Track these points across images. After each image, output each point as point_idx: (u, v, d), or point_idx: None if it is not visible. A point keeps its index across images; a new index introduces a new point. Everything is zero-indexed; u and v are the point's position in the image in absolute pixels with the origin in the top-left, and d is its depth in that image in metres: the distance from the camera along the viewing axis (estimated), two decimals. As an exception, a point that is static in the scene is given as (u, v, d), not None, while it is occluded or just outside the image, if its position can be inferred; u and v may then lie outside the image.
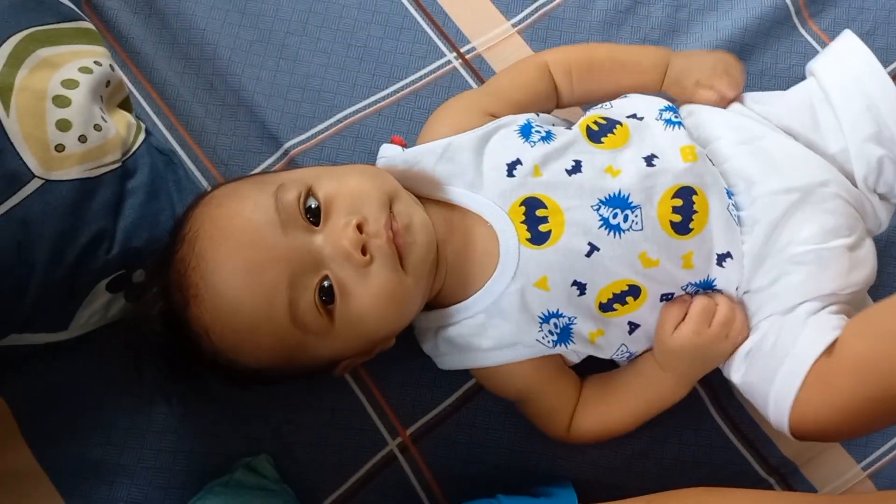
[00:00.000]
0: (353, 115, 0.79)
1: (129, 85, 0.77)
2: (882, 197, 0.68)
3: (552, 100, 0.72)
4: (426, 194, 0.65)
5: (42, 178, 0.60)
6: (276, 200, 0.58)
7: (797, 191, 0.63)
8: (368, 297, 0.58)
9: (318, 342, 0.59)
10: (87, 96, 0.64)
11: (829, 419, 0.58)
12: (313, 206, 0.59)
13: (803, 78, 0.74)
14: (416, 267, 0.60)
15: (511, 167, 0.63)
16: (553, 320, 0.62)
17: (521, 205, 0.62)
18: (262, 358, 0.59)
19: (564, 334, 0.63)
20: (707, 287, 0.63)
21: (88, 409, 0.67)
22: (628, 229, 0.61)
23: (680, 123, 0.66)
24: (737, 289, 0.63)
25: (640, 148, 0.64)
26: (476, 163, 0.64)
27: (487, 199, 0.63)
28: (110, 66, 0.69)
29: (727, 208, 0.63)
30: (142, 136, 0.70)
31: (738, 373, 0.64)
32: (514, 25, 0.83)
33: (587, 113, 0.68)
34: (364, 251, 0.57)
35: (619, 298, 0.62)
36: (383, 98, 0.79)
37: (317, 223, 0.59)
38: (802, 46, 0.84)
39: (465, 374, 0.70)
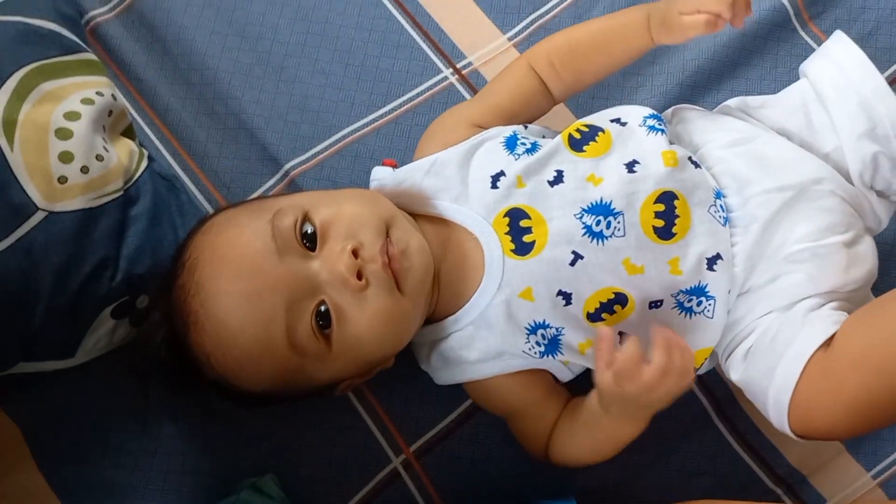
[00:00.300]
0: (351, 135, 0.79)
1: (133, 112, 0.79)
2: (880, 194, 0.68)
3: (544, 95, 0.71)
4: (417, 210, 0.66)
5: (46, 210, 0.61)
6: (273, 227, 0.59)
7: (791, 189, 0.63)
8: (365, 321, 0.59)
9: (316, 366, 0.60)
10: (88, 127, 0.66)
11: (828, 413, 0.58)
12: (309, 231, 0.60)
13: (800, 78, 0.74)
14: (414, 290, 0.60)
15: (495, 179, 0.63)
16: (540, 331, 0.63)
17: (505, 216, 0.63)
18: (263, 382, 0.60)
19: (552, 345, 0.63)
20: (699, 293, 0.63)
21: (97, 431, 0.69)
22: (611, 236, 0.61)
23: (663, 130, 0.66)
24: (729, 292, 0.63)
25: (623, 154, 0.64)
26: (462, 176, 0.64)
27: (473, 211, 0.63)
28: (112, 95, 0.71)
29: (709, 210, 0.63)
30: (144, 163, 0.71)
31: (737, 371, 0.63)
32: (509, 39, 0.83)
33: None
34: (360, 276, 0.58)
35: (607, 308, 0.62)
36: (381, 116, 0.80)
37: (313, 248, 0.59)
38: (802, 49, 0.83)
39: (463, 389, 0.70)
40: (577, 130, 0.66)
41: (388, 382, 0.69)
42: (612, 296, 0.62)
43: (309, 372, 0.60)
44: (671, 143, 0.67)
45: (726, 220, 0.63)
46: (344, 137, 0.79)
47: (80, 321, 0.64)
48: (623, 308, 0.62)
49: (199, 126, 0.79)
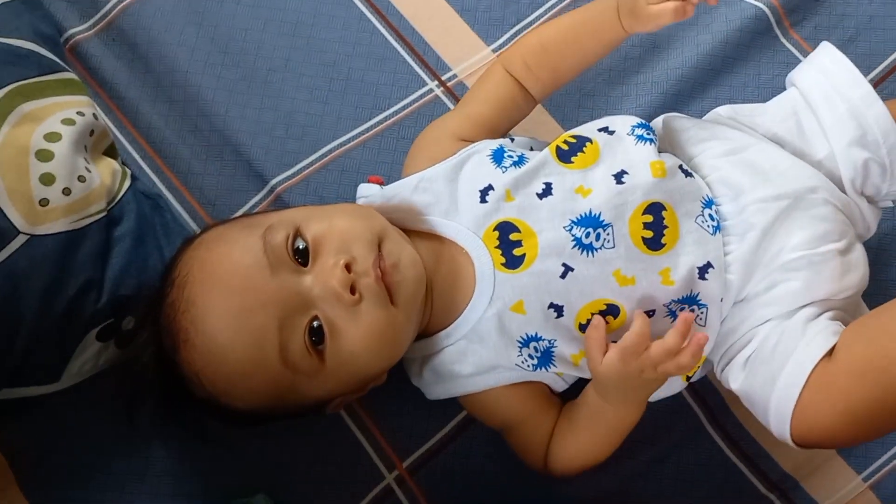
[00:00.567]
0: (337, 149, 0.79)
1: (115, 130, 0.78)
2: (870, 200, 0.69)
3: (524, 98, 0.71)
4: (409, 226, 0.65)
5: (27, 234, 0.61)
6: (265, 242, 0.58)
7: (786, 197, 0.64)
8: (359, 335, 0.58)
9: (309, 383, 0.59)
10: (70, 148, 0.65)
11: (831, 423, 0.58)
12: (301, 246, 0.59)
13: (786, 88, 0.74)
14: (407, 303, 0.60)
15: (484, 193, 0.63)
16: (533, 344, 0.63)
17: (494, 230, 0.63)
18: (254, 400, 0.60)
19: (545, 358, 0.63)
20: (691, 302, 0.63)
21: (84, 455, 0.68)
22: (601, 248, 0.61)
23: (652, 140, 0.66)
24: (721, 300, 0.63)
25: (611, 165, 0.64)
26: (450, 191, 0.65)
27: (462, 225, 0.63)
28: (93, 114, 0.70)
29: (696, 220, 0.63)
30: (127, 182, 0.71)
31: (736, 381, 0.64)
32: (494, 51, 0.83)
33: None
34: (353, 290, 0.58)
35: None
36: (367, 130, 0.80)
37: (305, 264, 0.59)
38: (785, 56, 0.84)
39: (459, 403, 0.70)
40: (565, 142, 0.66)
41: (380, 398, 0.68)
42: (604, 307, 0.62)
43: (302, 389, 0.60)
44: (661, 152, 0.67)
45: (716, 228, 0.64)
46: (330, 152, 0.79)
47: (66, 345, 0.64)
48: (615, 318, 0.62)
49: (183, 143, 0.79)
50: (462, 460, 0.70)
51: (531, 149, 0.70)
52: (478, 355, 0.63)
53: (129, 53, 0.82)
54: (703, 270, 0.63)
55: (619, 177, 0.63)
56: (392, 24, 0.84)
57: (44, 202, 0.62)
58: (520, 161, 0.65)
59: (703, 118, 0.75)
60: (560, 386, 0.67)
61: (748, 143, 0.68)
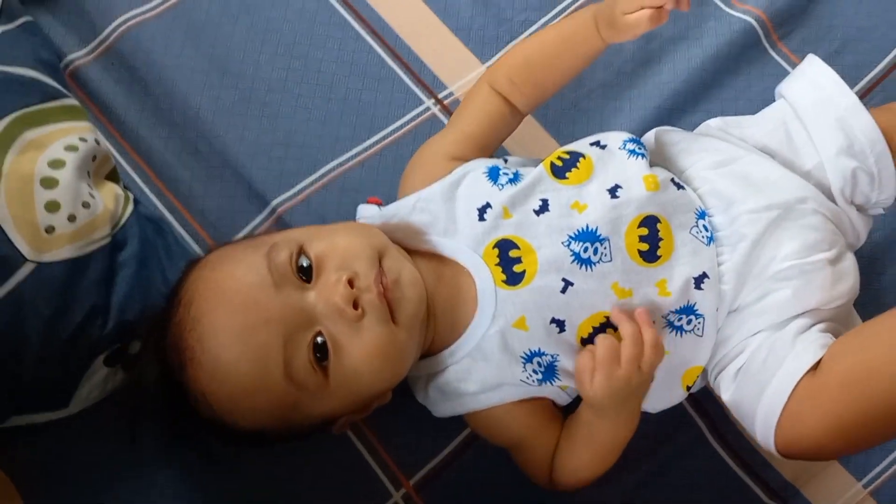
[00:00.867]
0: (336, 169, 0.80)
1: (116, 154, 0.79)
2: (859, 209, 0.70)
3: (511, 113, 0.72)
4: (409, 245, 0.66)
5: (34, 262, 0.61)
6: (269, 261, 0.59)
7: (777, 207, 0.65)
8: (362, 351, 0.59)
9: (313, 401, 0.60)
10: (74, 174, 0.65)
11: (815, 434, 0.59)
12: (305, 264, 0.60)
13: (775, 100, 0.76)
14: (408, 320, 0.61)
15: (482, 211, 0.64)
16: (536, 359, 0.63)
17: (494, 247, 0.64)
18: (259, 419, 0.60)
19: (549, 372, 0.64)
20: (688, 312, 0.64)
21: (92, 478, 0.68)
22: (598, 261, 0.62)
23: (643, 154, 0.67)
24: (717, 309, 0.64)
25: (605, 179, 0.65)
26: (448, 210, 0.65)
27: (462, 244, 0.64)
28: (95, 140, 0.71)
29: (691, 232, 0.64)
30: (130, 207, 0.71)
31: (727, 391, 0.65)
32: (489, 67, 0.85)
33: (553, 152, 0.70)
34: (356, 305, 0.58)
35: (600, 331, 0.63)
36: (366, 149, 0.81)
37: (309, 281, 0.60)
38: (774, 68, 0.86)
39: (464, 419, 0.71)
40: (559, 158, 0.67)
41: (385, 416, 0.69)
42: (604, 319, 0.63)
43: (306, 407, 0.60)
44: (652, 165, 0.68)
45: (710, 239, 0.65)
46: (329, 172, 0.80)
47: (73, 371, 0.64)
48: (616, 331, 0.63)
49: (184, 166, 0.80)
50: (468, 476, 0.71)
51: (524, 167, 0.71)
52: (483, 373, 0.64)
53: (129, 77, 0.82)
54: (699, 281, 0.64)
55: (613, 191, 0.64)
56: (388, 43, 0.85)
57: (50, 229, 0.62)
58: (515, 178, 0.66)
59: (695, 131, 0.76)
60: (564, 400, 0.68)
61: (738, 155, 0.69)
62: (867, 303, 0.71)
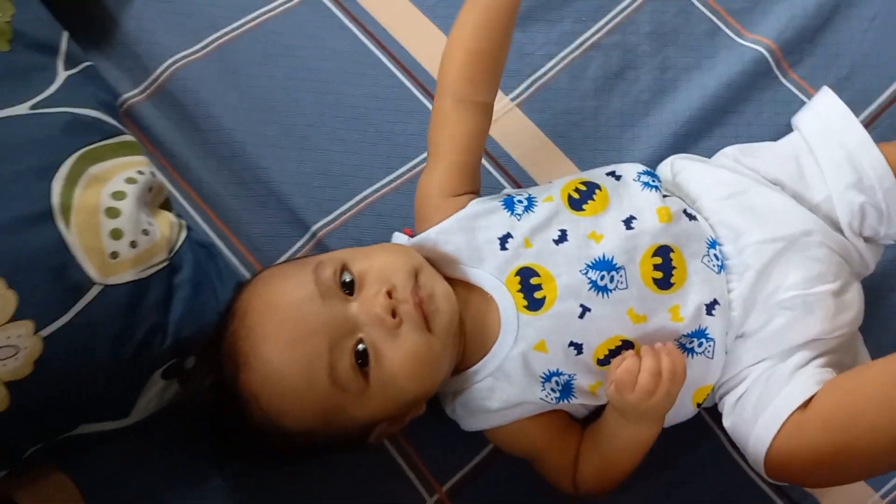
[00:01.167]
0: (372, 195, 0.85)
1: (169, 185, 0.85)
2: (868, 240, 0.73)
3: (484, 114, 0.73)
4: (441, 271, 0.70)
5: (101, 284, 0.67)
6: (316, 276, 0.65)
7: (782, 240, 0.68)
8: (400, 357, 0.64)
9: (355, 403, 0.65)
10: (134, 205, 0.71)
11: (799, 467, 0.64)
12: (347, 279, 0.65)
13: (788, 124, 0.80)
14: (442, 330, 0.65)
15: (503, 241, 0.69)
16: (554, 378, 0.67)
17: (516, 275, 0.68)
18: (306, 419, 0.65)
19: (566, 391, 0.68)
20: (700, 336, 0.68)
21: (149, 486, 0.73)
22: (615, 289, 0.66)
23: (657, 187, 0.71)
24: (727, 334, 0.68)
25: (620, 211, 0.69)
26: (469, 241, 0.69)
27: (486, 272, 0.68)
28: (151, 172, 0.77)
29: (702, 260, 0.68)
30: (184, 234, 0.77)
31: (727, 418, 0.69)
32: (512, 100, 0.90)
33: (567, 179, 0.73)
34: (394, 315, 0.63)
35: (616, 353, 0.66)
36: (398, 177, 0.86)
37: (351, 294, 0.65)
38: (785, 95, 0.89)
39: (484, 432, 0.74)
40: (576, 189, 0.71)
41: (419, 427, 0.73)
42: (620, 343, 0.67)
43: (349, 409, 0.65)
44: (666, 196, 0.72)
45: (721, 267, 0.68)
46: (365, 198, 0.85)
47: (135, 384, 0.69)
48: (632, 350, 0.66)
49: (231, 195, 0.85)
50: (500, 483, 0.74)
51: (536, 185, 0.74)
52: (505, 391, 0.68)
53: (179, 114, 0.88)
54: (711, 307, 0.67)
55: (628, 222, 0.68)
56: (418, 79, 0.90)
57: (114, 255, 0.68)
58: (529, 205, 0.70)
59: (712, 157, 0.79)
60: (581, 413, 0.72)
61: (746, 188, 0.72)
62: (874, 327, 0.74)
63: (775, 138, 0.81)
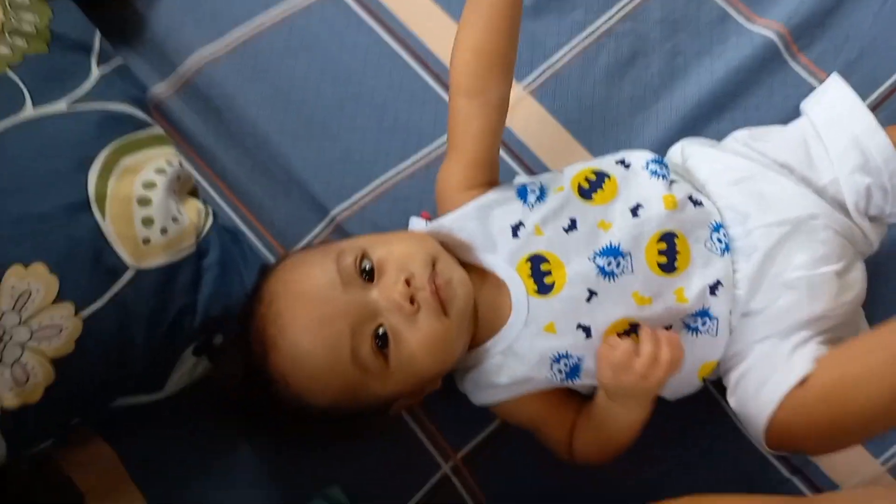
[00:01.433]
0: (389, 181, 0.88)
1: (196, 175, 0.89)
2: (873, 219, 0.75)
3: (499, 106, 0.74)
4: (456, 257, 0.74)
5: (134, 269, 0.71)
6: (338, 265, 0.68)
7: (788, 223, 0.71)
8: (417, 341, 0.67)
9: (376, 382, 0.69)
10: (164, 194, 0.75)
11: (797, 439, 0.67)
12: (367, 267, 0.69)
13: (797, 107, 0.81)
14: (458, 315, 0.69)
15: (515, 229, 0.72)
16: (563, 360, 0.70)
17: (527, 261, 0.71)
18: (331, 397, 0.69)
19: (573, 372, 0.71)
20: (704, 315, 0.70)
21: (184, 454, 0.78)
22: (621, 274, 0.69)
23: (664, 175, 0.74)
24: (731, 312, 0.70)
25: (627, 199, 0.71)
26: (483, 229, 0.72)
27: (499, 258, 0.72)
28: (179, 163, 0.81)
29: (705, 245, 0.70)
30: (210, 220, 0.81)
31: (731, 395, 0.72)
32: (524, 87, 0.92)
33: (579, 167, 0.76)
34: (412, 301, 0.67)
35: (625, 336, 0.69)
36: (414, 163, 0.89)
37: (371, 281, 0.69)
38: (794, 78, 0.90)
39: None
40: (586, 179, 0.74)
41: (435, 399, 0.76)
42: (628, 326, 0.69)
43: (370, 387, 0.69)
44: (673, 182, 0.74)
45: (724, 249, 0.71)
46: (382, 184, 0.88)
47: (167, 360, 0.74)
48: (638, 336, 0.69)
49: (255, 183, 0.89)
50: (513, 451, 0.78)
51: (549, 171, 0.77)
52: (513, 369, 0.71)
53: (205, 107, 0.92)
54: (714, 288, 0.70)
55: (634, 210, 0.71)
56: (432, 69, 0.93)
57: (146, 241, 0.72)
58: (542, 196, 0.73)
59: (722, 141, 0.81)
60: (585, 391, 0.75)
61: (755, 173, 0.74)
62: (873, 313, 0.76)
63: (785, 121, 0.82)
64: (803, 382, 0.67)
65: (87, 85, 0.78)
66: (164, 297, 0.72)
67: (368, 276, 0.69)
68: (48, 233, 0.68)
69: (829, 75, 0.81)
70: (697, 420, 0.78)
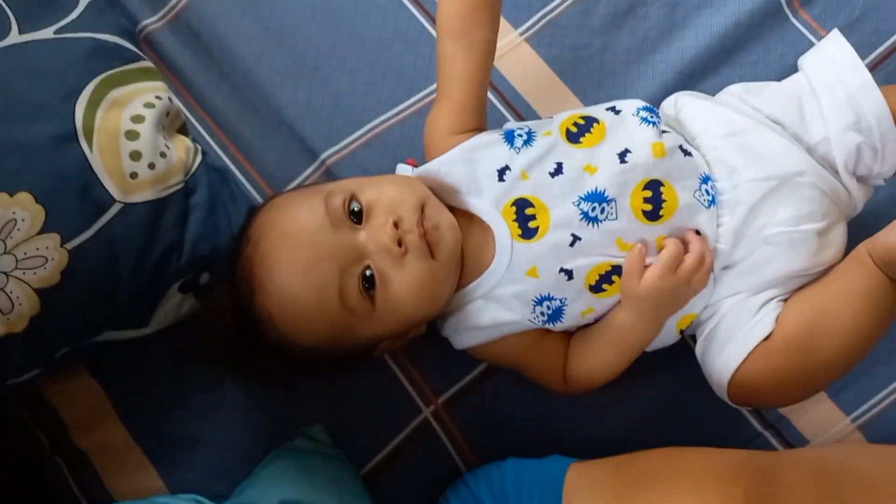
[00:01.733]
0: (379, 126, 0.88)
1: (185, 111, 0.88)
2: (860, 179, 0.75)
3: (485, 52, 0.73)
4: (442, 200, 0.73)
5: (122, 202, 0.71)
6: (326, 206, 0.68)
7: (775, 178, 0.71)
8: (405, 283, 0.68)
9: (362, 324, 0.69)
10: (152, 128, 0.75)
11: (763, 391, 0.69)
12: (356, 209, 0.69)
13: (794, 65, 0.80)
14: (446, 258, 0.69)
15: (501, 173, 0.71)
16: (546, 303, 0.71)
17: (512, 205, 0.71)
18: (317, 338, 0.69)
19: (556, 314, 0.72)
20: None
21: (170, 390, 0.79)
22: (605, 219, 0.69)
23: (655, 123, 0.73)
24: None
25: (615, 143, 0.71)
26: (469, 172, 0.72)
27: (484, 202, 0.72)
28: (168, 98, 0.80)
29: (693, 195, 0.70)
30: (199, 158, 0.80)
31: (698, 348, 0.73)
32: (521, 34, 0.91)
33: (568, 113, 0.75)
34: (400, 244, 0.67)
35: (606, 279, 0.70)
36: (406, 108, 0.88)
37: (360, 223, 0.69)
38: (793, 35, 0.89)
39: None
40: (574, 124, 0.73)
41: (418, 344, 0.77)
42: (610, 268, 0.70)
43: (356, 330, 0.69)
44: (665, 131, 0.74)
45: (711, 202, 0.71)
46: (373, 129, 0.87)
47: (153, 296, 0.75)
48: (621, 277, 0.70)
49: (245, 122, 0.88)
50: (492, 398, 0.79)
51: (539, 119, 0.76)
52: (494, 312, 0.72)
53: (195, 42, 0.91)
54: None
55: (622, 156, 0.70)
56: (427, 10, 0.91)
57: (133, 175, 0.72)
58: (529, 139, 0.72)
59: (716, 95, 0.80)
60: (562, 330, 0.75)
61: (747, 128, 0.74)
62: None
63: (780, 79, 0.81)
64: (768, 337, 0.68)
65: (75, 13, 0.77)
66: (151, 233, 0.72)
67: (357, 218, 0.69)
68: (34, 162, 0.67)
69: (829, 33, 0.80)
70: (670, 372, 0.79)
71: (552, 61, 0.90)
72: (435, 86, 0.87)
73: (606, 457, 0.71)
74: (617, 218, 0.69)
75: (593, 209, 0.69)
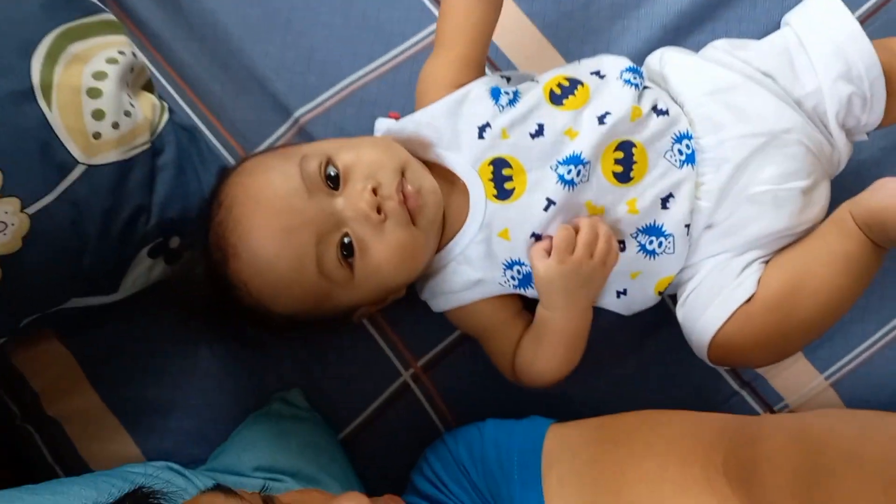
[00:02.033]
0: (355, 83, 0.85)
1: (151, 67, 0.85)
2: (848, 133, 0.74)
3: (494, 3, 0.73)
4: (419, 157, 0.72)
5: (85, 164, 0.68)
6: (301, 170, 0.66)
7: (762, 135, 0.70)
8: (383, 251, 0.66)
9: (341, 291, 0.68)
10: (116, 85, 0.71)
11: (744, 351, 0.69)
12: (333, 173, 0.67)
13: (779, 22, 0.78)
14: (427, 224, 0.68)
15: (481, 130, 0.70)
16: (516, 267, 0.70)
17: (489, 164, 0.69)
18: (294, 306, 0.68)
19: (526, 280, 0.71)
20: (657, 233, 0.70)
21: (143, 356, 0.78)
22: (579, 182, 0.68)
23: (637, 85, 0.71)
24: (688, 226, 0.70)
25: (597, 107, 0.70)
26: (451, 125, 0.70)
27: (462, 158, 0.70)
28: (133, 53, 0.76)
29: (665, 156, 0.69)
30: (166, 116, 0.77)
31: (679, 309, 0.72)
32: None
33: (553, 73, 0.74)
34: (379, 211, 0.65)
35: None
36: (383, 64, 0.85)
37: (336, 188, 0.67)
38: (779, -10, 0.87)
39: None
40: (559, 85, 0.71)
41: (397, 308, 0.77)
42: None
43: (334, 297, 0.68)
44: (647, 87, 0.72)
45: (684, 162, 0.70)
46: (349, 85, 0.85)
47: (122, 261, 0.72)
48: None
49: (214, 79, 0.85)
50: (471, 361, 0.79)
51: (530, 80, 0.74)
52: (466, 275, 0.71)
53: (160, -7, 0.87)
54: (665, 200, 0.69)
55: (602, 118, 0.69)
56: (406, -40, 0.88)
57: (97, 135, 0.69)
58: (514, 100, 0.71)
59: (700, 51, 0.79)
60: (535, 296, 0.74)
61: (735, 84, 0.72)
62: None
63: (765, 35, 0.80)
64: (749, 298, 0.68)
65: (27, -40, 0.72)
66: (117, 196, 0.70)
67: (333, 183, 0.67)
68: (-12, 122, 0.64)
69: (815, -12, 0.78)
70: (649, 331, 0.79)
71: (535, 16, 0.87)
72: (414, 39, 0.86)
73: (586, 417, 0.71)
74: (588, 180, 0.68)
75: (569, 172, 0.68)
